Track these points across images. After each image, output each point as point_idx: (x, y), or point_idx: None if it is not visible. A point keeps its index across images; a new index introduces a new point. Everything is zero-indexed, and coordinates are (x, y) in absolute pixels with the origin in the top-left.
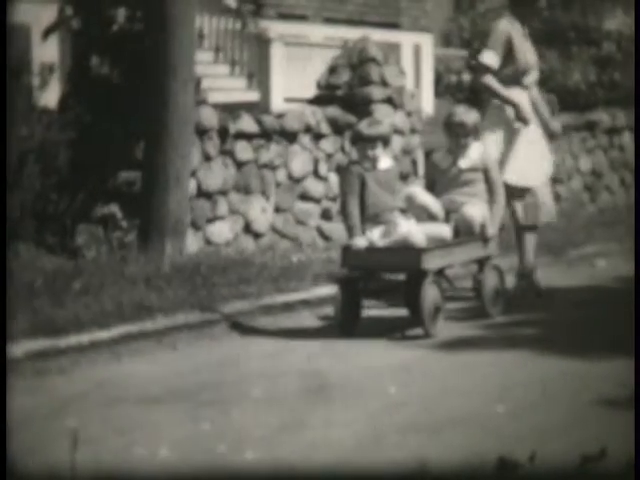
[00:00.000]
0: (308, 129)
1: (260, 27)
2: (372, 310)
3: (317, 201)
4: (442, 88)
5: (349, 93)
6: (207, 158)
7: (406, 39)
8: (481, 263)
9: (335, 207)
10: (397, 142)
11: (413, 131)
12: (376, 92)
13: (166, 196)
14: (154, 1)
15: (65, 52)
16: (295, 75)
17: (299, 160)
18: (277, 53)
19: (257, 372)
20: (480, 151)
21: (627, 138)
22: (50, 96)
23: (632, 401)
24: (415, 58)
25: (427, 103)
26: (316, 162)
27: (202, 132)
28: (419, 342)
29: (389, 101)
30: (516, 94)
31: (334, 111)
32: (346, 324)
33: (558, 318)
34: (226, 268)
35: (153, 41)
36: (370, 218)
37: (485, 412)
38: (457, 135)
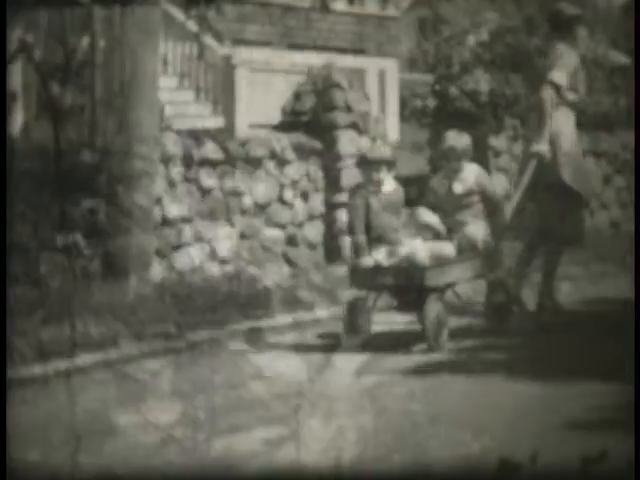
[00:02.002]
0: (273, 155)
1: (224, 53)
2: (383, 325)
3: (282, 227)
4: (407, 113)
5: (314, 119)
6: (172, 185)
7: (371, 64)
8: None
9: (301, 233)
10: None
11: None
12: (341, 118)
13: (130, 224)
14: (117, 28)
15: (28, 80)
16: (260, 101)
17: (264, 186)
18: (242, 79)
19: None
20: (475, 173)
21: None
22: (13, 124)
23: (602, 424)
24: (380, 83)
25: (392, 128)
26: (281, 188)
27: (166, 159)
28: (388, 366)
29: (354, 126)
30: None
31: (299, 137)
32: (354, 341)
33: (525, 342)
34: (191, 296)
35: (116, 68)
36: (376, 239)
37: (450, 436)
38: (449, 160)
